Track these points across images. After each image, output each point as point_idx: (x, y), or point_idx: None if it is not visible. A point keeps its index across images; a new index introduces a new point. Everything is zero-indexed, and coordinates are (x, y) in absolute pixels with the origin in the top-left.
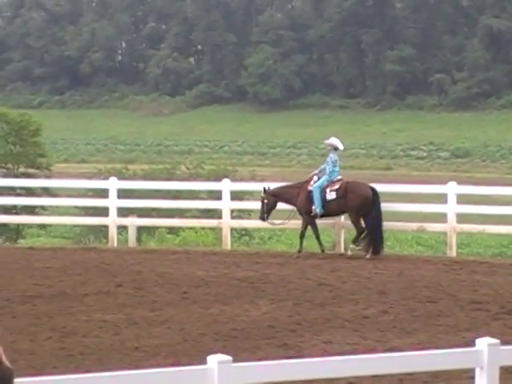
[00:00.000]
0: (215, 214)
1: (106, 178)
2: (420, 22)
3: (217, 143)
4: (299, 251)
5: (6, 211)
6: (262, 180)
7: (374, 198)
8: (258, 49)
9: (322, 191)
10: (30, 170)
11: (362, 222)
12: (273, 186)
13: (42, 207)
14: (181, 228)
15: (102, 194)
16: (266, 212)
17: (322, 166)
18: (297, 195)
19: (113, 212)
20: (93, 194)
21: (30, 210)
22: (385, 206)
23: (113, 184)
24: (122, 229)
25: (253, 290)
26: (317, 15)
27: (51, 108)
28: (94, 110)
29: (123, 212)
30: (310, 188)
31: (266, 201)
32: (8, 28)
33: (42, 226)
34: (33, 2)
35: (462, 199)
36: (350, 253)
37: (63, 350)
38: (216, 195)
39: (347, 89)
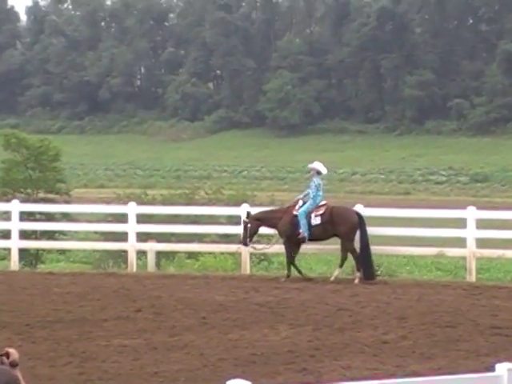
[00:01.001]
0: (234, 238)
1: (125, 203)
2: (439, 47)
3: (236, 168)
4: (288, 276)
5: (25, 236)
6: (282, 205)
7: (360, 222)
8: (276, 74)
9: (307, 216)
10: (50, 195)
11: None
12: (255, 210)
13: (62, 232)
14: (200, 253)
15: (121, 219)
16: (249, 236)
17: (306, 191)
18: (280, 219)
19: (132, 237)
20: (112, 218)
21: (50, 235)
22: (403, 231)
23: (132, 209)
24: (141, 254)
25: (272, 314)
26: (335, 40)
27: (70, 133)
28: (113, 135)
29: (142, 237)
30: (294, 212)
31: (249, 225)
32: (28, 54)
33: (62, 251)
34: (52, 27)
35: (482, 224)
36: (357, 281)
37: (83, 375)
38: (235, 220)
39: (366, 114)
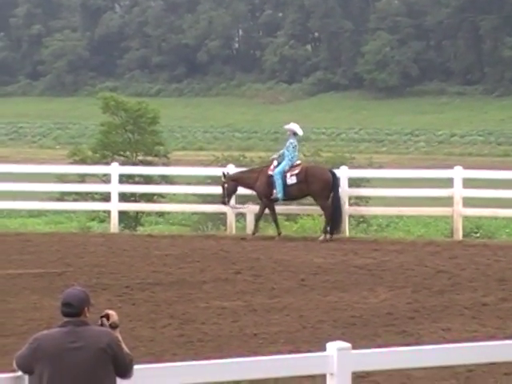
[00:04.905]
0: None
1: (224, 166)
2: None
3: (334, 130)
4: (254, 233)
5: (124, 199)
6: (380, 167)
7: (334, 181)
8: (375, 35)
9: (283, 176)
10: (148, 158)
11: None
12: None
13: (160, 195)
14: (298, 215)
15: (220, 181)
16: (227, 196)
17: (281, 151)
18: (256, 179)
19: (231, 199)
20: (211, 181)
21: (149, 198)
22: (501, 193)
23: (230, 171)
24: (240, 216)
25: (371, 277)
26: (434, 2)
27: (169, 96)
28: (212, 97)
29: (241, 199)
30: (270, 172)
31: (226, 185)
32: (126, 17)
33: (161, 214)
34: None
35: None
36: (322, 238)
37: (182, 336)
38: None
39: (465, 75)
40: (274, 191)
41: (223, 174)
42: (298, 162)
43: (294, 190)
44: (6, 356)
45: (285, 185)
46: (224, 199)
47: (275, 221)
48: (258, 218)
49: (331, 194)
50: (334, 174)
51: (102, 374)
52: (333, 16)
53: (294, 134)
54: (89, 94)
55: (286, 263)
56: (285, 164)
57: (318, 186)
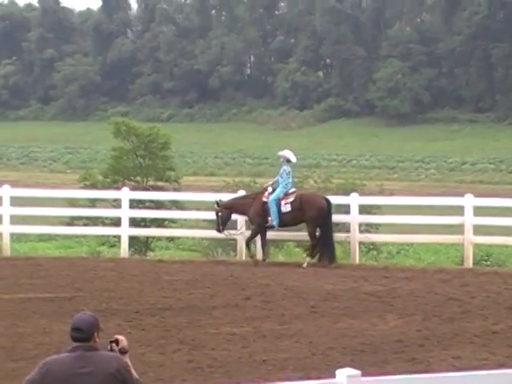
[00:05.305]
0: (343, 227)
1: (235, 192)
2: None
3: (345, 157)
4: (251, 257)
5: (135, 224)
6: (391, 194)
7: (328, 209)
8: (386, 62)
9: (277, 203)
10: (159, 183)
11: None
12: (226, 197)
13: (171, 220)
14: (308, 241)
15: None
16: (221, 224)
17: (275, 178)
18: (250, 206)
19: (241, 225)
20: None
21: (159, 223)
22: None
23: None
24: (251, 242)
25: (381, 304)
26: (446, 29)
27: (180, 121)
28: (223, 123)
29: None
30: (264, 199)
31: (220, 213)
32: (138, 42)
33: (171, 239)
34: (163, 16)
35: None
36: (305, 265)
37: (192, 362)
38: (344, 209)
39: (476, 103)
40: (270, 219)
41: (216, 201)
42: (293, 189)
43: (288, 218)
44: (15, 380)
45: (279, 212)
46: (219, 227)
47: (263, 247)
48: (248, 242)
49: (326, 221)
50: (328, 201)
51: None
52: (345, 42)
53: (288, 160)
54: (100, 119)
55: (296, 289)
56: (279, 191)
57: (313, 214)
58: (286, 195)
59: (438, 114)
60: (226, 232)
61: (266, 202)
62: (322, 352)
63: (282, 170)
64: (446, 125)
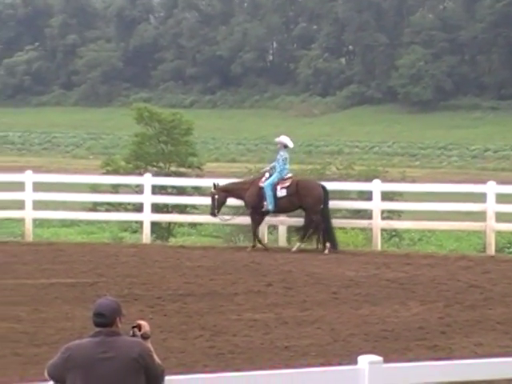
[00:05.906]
0: (365, 214)
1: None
2: None
3: (367, 144)
4: (253, 246)
5: (157, 210)
6: (413, 181)
7: (325, 195)
8: (409, 49)
9: (273, 188)
10: (181, 169)
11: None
12: (222, 182)
13: (193, 206)
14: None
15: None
16: (217, 207)
17: (272, 164)
18: (246, 190)
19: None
20: None
21: (181, 209)
22: None
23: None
24: (272, 228)
25: (403, 291)
26: (469, 16)
27: (202, 108)
28: (245, 109)
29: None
30: (261, 184)
31: (216, 196)
32: (161, 28)
33: (193, 225)
34: (186, 2)
35: None
36: (295, 249)
37: (213, 348)
38: (366, 196)
39: (499, 90)
40: (265, 203)
41: (214, 184)
42: (289, 175)
43: (284, 203)
44: (37, 365)
45: (275, 197)
46: (214, 210)
47: (254, 233)
48: (253, 229)
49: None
50: (324, 188)
51: None
52: (367, 29)
53: (285, 146)
54: (122, 105)
55: (317, 276)
56: (275, 177)
57: (311, 200)
58: (282, 180)
59: (460, 101)
60: (220, 217)
61: (262, 187)
62: (344, 339)
63: (278, 156)
64: (468, 112)
